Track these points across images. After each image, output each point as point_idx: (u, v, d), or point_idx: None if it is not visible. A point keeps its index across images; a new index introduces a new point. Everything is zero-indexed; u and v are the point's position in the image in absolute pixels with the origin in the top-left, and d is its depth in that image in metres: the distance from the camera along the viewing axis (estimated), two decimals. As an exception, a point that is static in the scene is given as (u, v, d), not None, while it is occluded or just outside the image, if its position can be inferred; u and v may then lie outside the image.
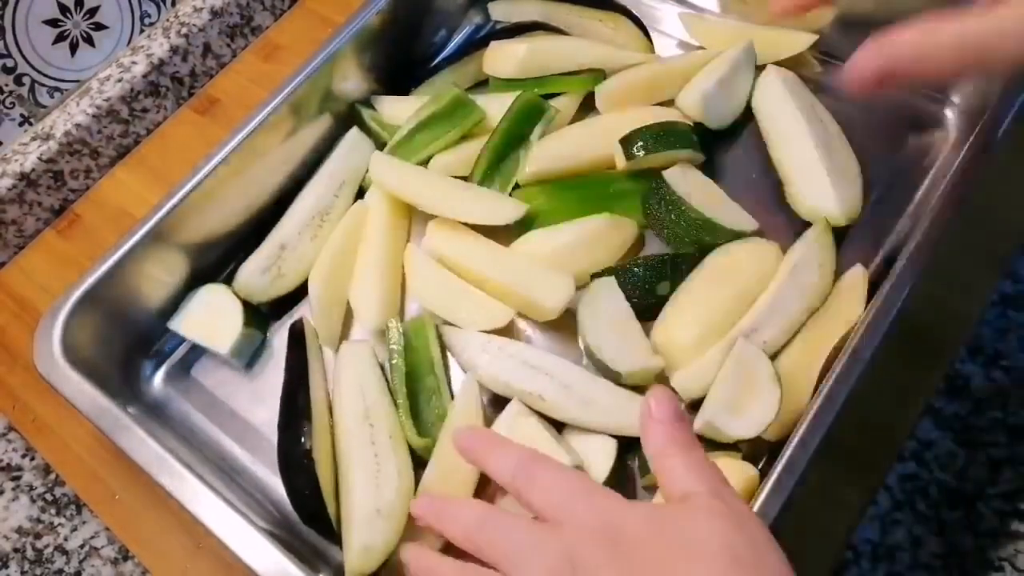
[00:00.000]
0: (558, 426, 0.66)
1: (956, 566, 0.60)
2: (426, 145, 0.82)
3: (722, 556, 0.41)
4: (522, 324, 0.74)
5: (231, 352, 0.74)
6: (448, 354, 0.73)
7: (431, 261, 0.76)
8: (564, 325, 0.70)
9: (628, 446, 0.65)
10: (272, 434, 0.71)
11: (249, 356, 0.77)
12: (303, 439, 0.65)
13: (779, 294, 0.67)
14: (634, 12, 0.89)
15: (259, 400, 0.75)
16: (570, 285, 0.69)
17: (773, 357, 0.65)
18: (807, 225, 0.71)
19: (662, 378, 0.68)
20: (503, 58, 0.84)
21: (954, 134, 0.77)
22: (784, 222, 0.74)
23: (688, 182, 0.73)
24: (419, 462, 0.66)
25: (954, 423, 0.65)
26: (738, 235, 0.71)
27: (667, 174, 0.73)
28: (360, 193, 0.84)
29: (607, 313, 0.68)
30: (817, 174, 0.72)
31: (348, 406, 0.68)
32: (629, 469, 0.66)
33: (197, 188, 0.75)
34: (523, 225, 0.75)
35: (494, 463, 0.52)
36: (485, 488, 0.65)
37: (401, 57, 0.92)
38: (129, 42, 0.95)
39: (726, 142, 0.81)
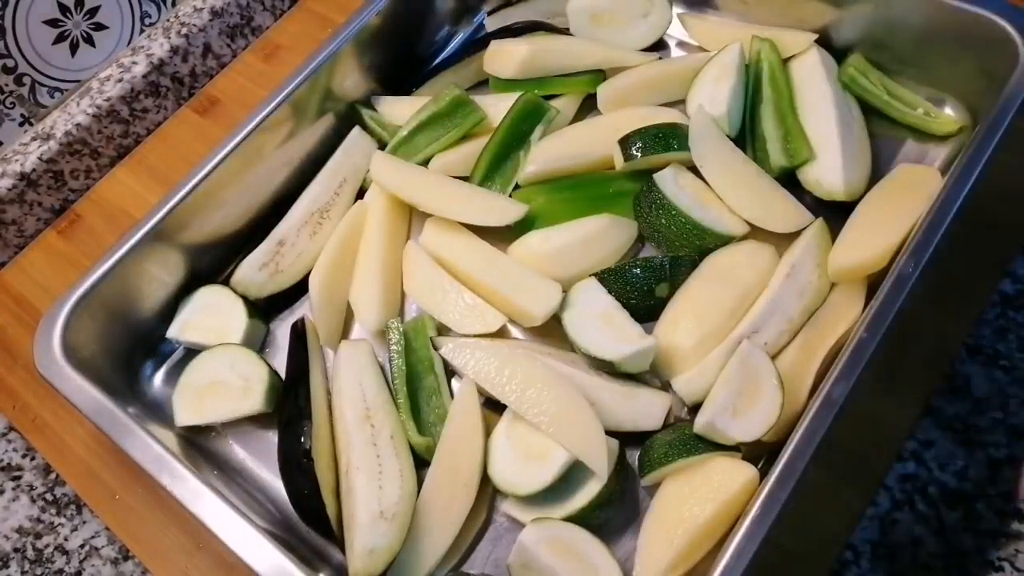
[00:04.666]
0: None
1: (956, 566, 0.60)
2: (426, 145, 0.83)
3: None
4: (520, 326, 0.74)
5: (242, 344, 0.74)
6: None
7: (429, 260, 0.76)
8: (561, 327, 0.70)
9: (629, 445, 0.65)
10: (272, 434, 0.71)
11: (258, 348, 0.77)
12: (303, 439, 0.65)
13: (778, 295, 0.67)
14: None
15: (259, 400, 0.75)
16: (557, 293, 0.69)
17: (773, 358, 0.65)
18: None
19: (662, 380, 0.69)
20: (504, 58, 0.85)
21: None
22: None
23: (679, 184, 0.73)
24: (418, 462, 0.66)
25: (954, 423, 0.65)
26: (728, 239, 0.71)
27: (657, 177, 0.73)
28: (361, 193, 0.84)
29: (590, 310, 0.68)
30: (831, 147, 0.73)
31: (348, 406, 0.68)
32: (629, 468, 0.66)
33: (197, 188, 0.75)
34: (523, 225, 0.75)
35: None
36: (485, 487, 0.65)
37: (401, 57, 0.92)
38: (129, 42, 0.95)
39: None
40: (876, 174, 0.74)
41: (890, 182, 0.71)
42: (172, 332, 0.76)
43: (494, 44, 0.86)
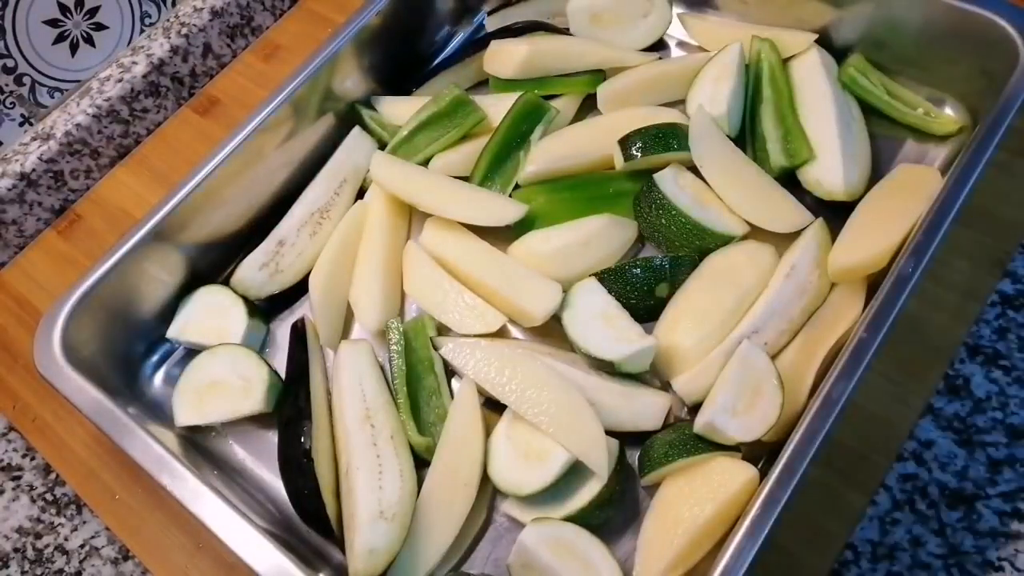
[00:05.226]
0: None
1: (956, 566, 0.60)
2: (426, 145, 0.83)
3: None
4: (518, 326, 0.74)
5: (242, 344, 0.74)
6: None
7: (429, 260, 0.76)
8: (561, 327, 0.70)
9: (629, 445, 0.65)
10: (272, 434, 0.71)
11: (258, 348, 0.77)
12: (303, 439, 0.65)
13: (778, 295, 0.67)
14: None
15: (259, 400, 0.75)
16: (557, 293, 0.69)
17: (773, 358, 0.65)
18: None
19: (662, 380, 0.69)
20: (504, 58, 0.85)
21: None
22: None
23: (679, 184, 0.73)
24: (418, 462, 0.66)
25: (954, 423, 0.65)
26: (728, 239, 0.71)
27: (658, 177, 0.73)
28: (361, 193, 0.84)
29: (590, 310, 0.68)
30: (831, 147, 0.73)
31: (348, 406, 0.68)
32: (629, 468, 0.66)
33: (197, 188, 0.75)
34: (523, 225, 0.75)
35: None
36: (485, 487, 0.65)
37: (401, 57, 0.92)
38: (129, 42, 0.95)
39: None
40: (876, 174, 0.74)
41: (890, 182, 0.71)
42: (172, 332, 0.76)
43: (494, 44, 0.86)
